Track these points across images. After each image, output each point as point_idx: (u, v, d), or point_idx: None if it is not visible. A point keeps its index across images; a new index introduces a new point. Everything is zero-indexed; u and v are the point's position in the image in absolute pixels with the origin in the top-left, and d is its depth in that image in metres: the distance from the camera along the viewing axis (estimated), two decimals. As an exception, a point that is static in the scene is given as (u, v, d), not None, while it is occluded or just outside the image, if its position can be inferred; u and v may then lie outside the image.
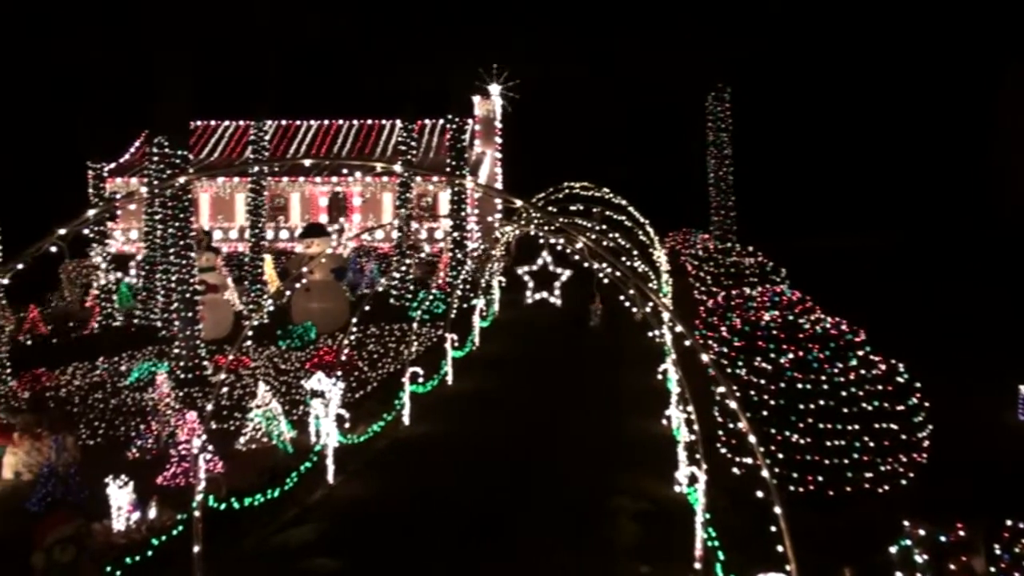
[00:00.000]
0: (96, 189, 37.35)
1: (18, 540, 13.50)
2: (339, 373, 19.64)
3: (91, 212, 11.90)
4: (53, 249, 11.03)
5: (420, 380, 23.33)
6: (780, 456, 15.35)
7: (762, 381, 16.33)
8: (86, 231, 34.48)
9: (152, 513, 14.60)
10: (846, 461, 15.36)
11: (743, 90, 50.90)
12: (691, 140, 58.52)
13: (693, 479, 13.50)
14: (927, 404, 16.48)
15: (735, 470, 16.13)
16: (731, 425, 16.46)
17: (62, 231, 10.97)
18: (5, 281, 11.37)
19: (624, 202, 41.26)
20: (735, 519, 13.62)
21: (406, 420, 21.72)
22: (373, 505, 16.64)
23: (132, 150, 58.60)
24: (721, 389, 10.48)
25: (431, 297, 35.12)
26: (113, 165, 55.15)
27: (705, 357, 10.52)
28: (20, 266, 11.01)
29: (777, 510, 9.30)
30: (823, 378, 16.04)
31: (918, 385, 16.61)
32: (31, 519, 14.74)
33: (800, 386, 15.97)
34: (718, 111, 46.59)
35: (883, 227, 66.93)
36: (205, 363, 26.35)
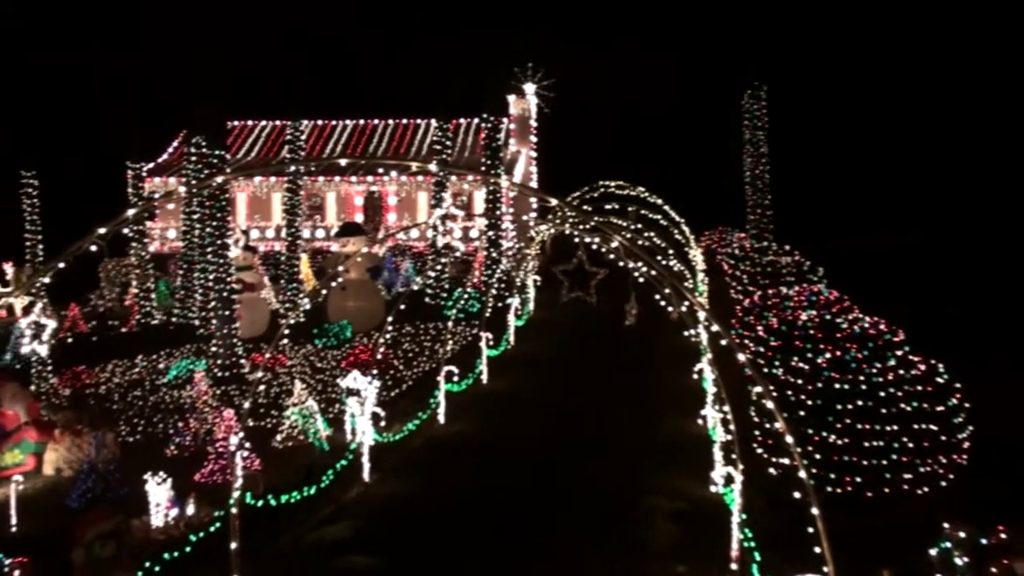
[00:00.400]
0: (135, 189, 37.77)
1: (59, 536, 13.67)
2: (375, 372, 19.72)
3: (130, 212, 12.02)
4: (93, 248, 11.15)
5: (455, 379, 23.37)
6: (817, 457, 15.23)
7: (799, 381, 16.21)
8: (125, 230, 34.84)
9: (190, 510, 14.73)
10: (885, 462, 15.22)
11: (780, 88, 50.55)
12: (727, 139, 58.19)
13: (729, 479, 13.42)
14: (967, 405, 16.28)
15: (771, 470, 16.03)
16: (768, 425, 16.35)
17: (102, 230, 11.09)
18: (47, 280, 11.51)
19: (660, 201, 41.05)
20: (771, 520, 13.53)
21: (441, 419, 21.76)
22: (408, 503, 16.69)
23: (170, 150, 59.14)
24: (757, 389, 10.39)
25: (466, 296, 35.15)
26: (152, 165, 55.68)
27: (741, 356, 10.46)
28: (61, 265, 11.15)
29: (814, 511, 9.23)
30: (861, 378, 15.89)
31: (958, 386, 16.41)
32: (71, 515, 14.93)
33: (838, 386, 15.83)
34: (754, 109, 46.25)
35: (921, 226, 66.20)
36: (242, 361, 26.54)
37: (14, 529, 15.38)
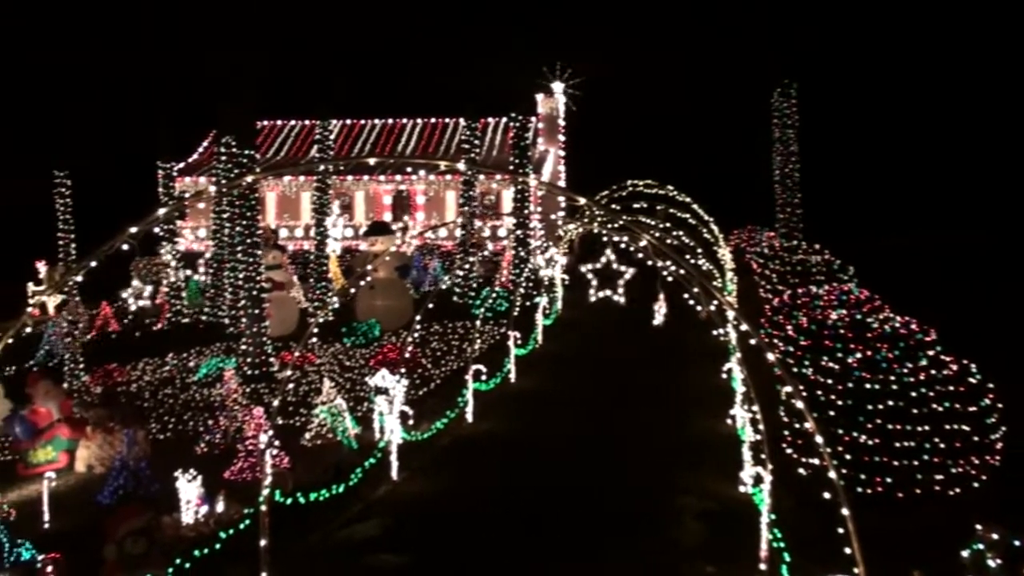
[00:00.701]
0: (166, 188, 38.06)
1: (91, 532, 13.80)
2: (403, 370, 19.77)
3: (161, 211, 12.12)
4: (125, 247, 11.25)
5: (483, 378, 23.39)
6: (848, 457, 15.12)
7: (829, 381, 16.10)
8: (156, 229, 35.16)
9: (220, 507, 14.83)
10: (916, 463, 15.08)
11: (810, 86, 50.23)
12: (757, 137, 57.90)
13: (758, 479, 13.35)
14: (1000, 405, 16.11)
15: (801, 470, 15.93)
16: (797, 425, 16.25)
17: (133, 229, 11.17)
18: (79, 278, 11.61)
19: (688, 200, 40.92)
20: (801, 520, 13.45)
21: (469, 417, 21.79)
22: (436, 502, 16.71)
23: (200, 150, 59.62)
24: (787, 388, 10.33)
25: (494, 295, 35.18)
26: (182, 165, 56.15)
27: (771, 356, 10.40)
28: (93, 264, 11.25)
29: (845, 511, 9.16)
30: (892, 378, 15.76)
31: (991, 386, 16.24)
32: (103, 512, 15.06)
33: (868, 386, 15.71)
34: (784, 107, 46.01)
35: (953, 225, 65.61)
36: (271, 359, 26.68)
37: (47, 525, 15.54)
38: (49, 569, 12.58)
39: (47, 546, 13.47)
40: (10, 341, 11.01)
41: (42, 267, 37.82)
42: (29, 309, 13.10)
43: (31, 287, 37.72)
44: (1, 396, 22.52)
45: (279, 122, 61.79)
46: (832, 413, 15.56)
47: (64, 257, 31.19)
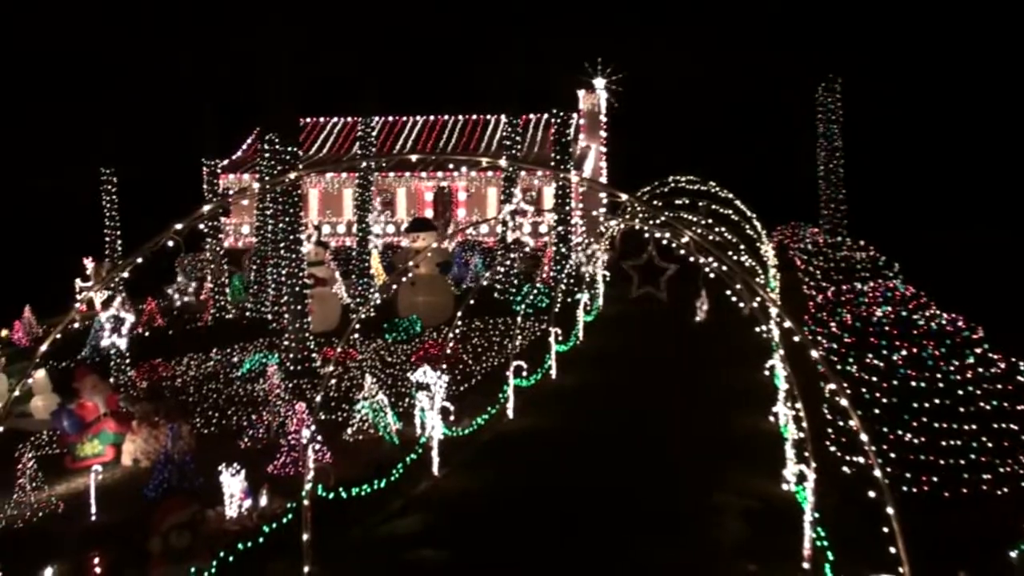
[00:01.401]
0: (210, 185, 38.45)
1: (136, 525, 13.97)
2: (444, 366, 19.81)
3: (206, 208, 12.24)
4: (170, 244, 11.37)
5: (524, 374, 23.39)
6: (892, 455, 14.95)
7: (874, 378, 15.93)
8: (201, 226, 35.51)
9: (263, 501, 14.95)
10: (962, 462, 14.89)
11: (854, 80, 49.69)
12: (800, 133, 57.40)
13: (802, 477, 13.24)
14: (1050, 404, 15.86)
15: (845, 469, 15.78)
16: (841, 423, 16.10)
17: (178, 226, 11.30)
18: (125, 274, 11.75)
19: (731, 196, 40.66)
20: (845, 519, 13.32)
21: (510, 414, 21.80)
22: (477, 498, 16.74)
23: (244, 147, 60.13)
24: (831, 386, 10.24)
25: (535, 291, 35.17)
26: (226, 162, 56.66)
27: (815, 353, 10.30)
28: (139, 260, 11.38)
29: (890, 511, 9.07)
30: (938, 376, 15.57)
31: (1040, 384, 15.99)
32: (148, 505, 15.24)
33: (914, 384, 15.53)
34: (828, 102, 45.59)
35: (1000, 221, 64.53)
36: (314, 355, 26.85)
37: (94, 518, 15.75)
38: (96, 561, 12.76)
39: (94, 538, 13.67)
40: (58, 336, 11.18)
41: (89, 264, 38.35)
42: (76, 305, 13.27)
43: (78, 283, 38.26)
44: (49, 390, 22.89)
45: (322, 119, 62.16)
46: (877, 411, 15.40)
47: (111, 253, 31.65)
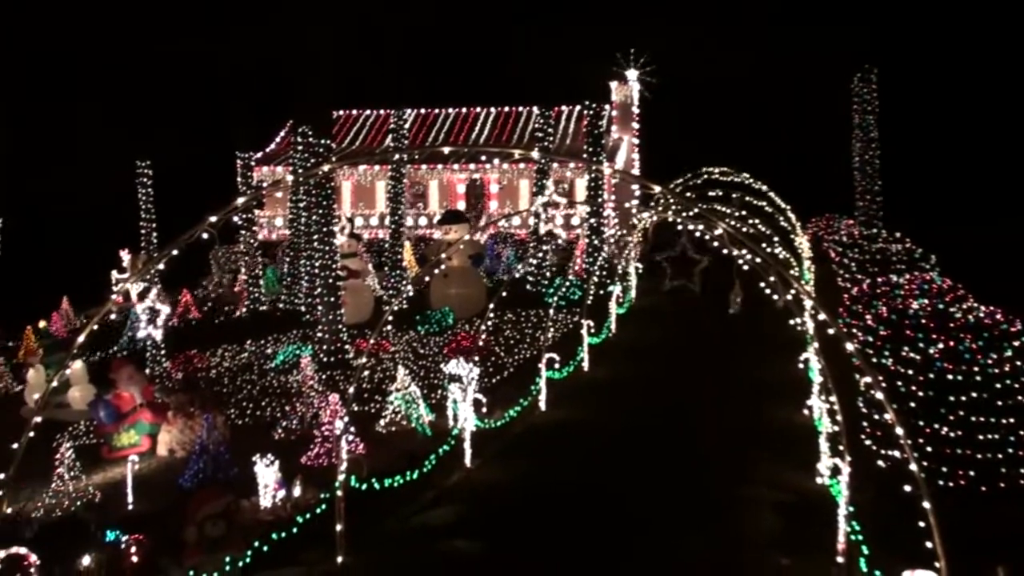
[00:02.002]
0: (244, 178, 38.69)
1: (172, 514, 14.11)
2: (476, 358, 19.83)
3: (240, 200, 12.29)
4: (204, 236, 11.44)
5: (556, 366, 23.37)
6: (929, 449, 14.80)
7: (910, 372, 15.76)
8: (235, 218, 35.75)
9: (297, 491, 15.05)
10: (1000, 456, 14.71)
11: (891, 70, 49.16)
12: (836, 124, 56.86)
13: (836, 471, 13.13)
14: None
15: (880, 463, 15.64)
16: (877, 416, 15.95)
17: (213, 218, 11.36)
18: (161, 266, 11.85)
19: (765, 187, 40.37)
20: (880, 513, 13.20)
21: (542, 406, 21.80)
22: (509, 489, 16.75)
23: (278, 140, 60.43)
24: (866, 379, 10.14)
25: (567, 283, 35.12)
26: (260, 154, 56.97)
27: (850, 346, 10.21)
28: (174, 252, 11.46)
29: (926, 505, 8.98)
30: (976, 369, 15.38)
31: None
32: (184, 495, 15.39)
33: (951, 377, 15.35)
34: (864, 93, 45.14)
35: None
36: (347, 347, 26.97)
37: (130, 507, 15.93)
38: (133, 549, 12.89)
39: (130, 527, 13.81)
40: (95, 328, 11.28)
41: (125, 255, 38.74)
42: (113, 296, 13.40)
43: (115, 275, 38.65)
44: (86, 381, 23.15)
45: (354, 112, 62.34)
46: (913, 404, 15.24)
47: (146, 245, 31.92)
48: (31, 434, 10.60)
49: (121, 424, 19.45)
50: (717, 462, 17.75)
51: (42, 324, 33.70)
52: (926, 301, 19.79)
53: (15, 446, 10.57)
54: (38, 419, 10.84)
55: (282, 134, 60.01)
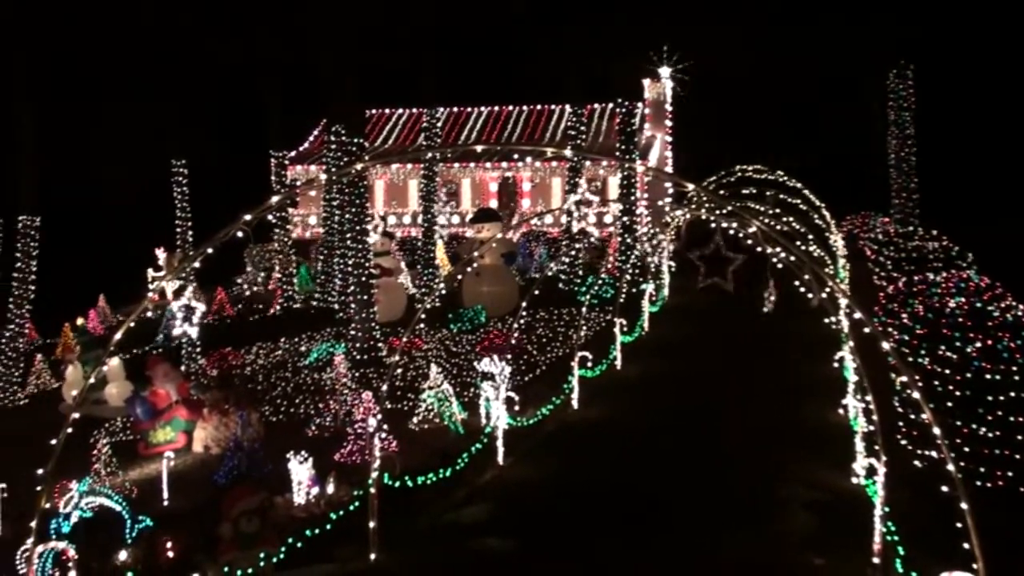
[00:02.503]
0: (278, 176, 38.92)
1: (207, 510, 14.23)
2: (509, 356, 19.85)
3: (274, 199, 12.37)
4: (239, 234, 11.52)
5: (589, 364, 23.34)
6: (966, 450, 14.64)
7: (947, 371, 15.60)
8: (269, 217, 35.98)
9: (330, 488, 15.12)
10: (1039, 456, 14.53)
11: (927, 66, 48.64)
12: (871, 121, 56.37)
13: (872, 471, 13.02)
14: None
15: (917, 463, 15.49)
16: (913, 416, 15.80)
17: (247, 217, 11.44)
18: (196, 264, 11.94)
19: (799, 185, 40.08)
20: (917, 514, 13.08)
21: (575, 404, 21.77)
22: (542, 487, 16.75)
23: (311, 138, 60.74)
24: (903, 378, 10.05)
25: (600, 282, 35.05)
26: (294, 153, 57.28)
27: (885, 345, 10.12)
28: (209, 250, 11.55)
29: (963, 506, 8.88)
30: (1014, 368, 15.19)
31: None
32: (219, 491, 15.50)
33: (988, 376, 15.18)
34: (900, 89, 44.71)
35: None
36: (380, 345, 27.07)
37: (166, 502, 16.07)
38: (168, 545, 13.01)
39: (166, 523, 13.94)
40: (132, 325, 11.39)
41: (161, 254, 39.09)
42: (149, 294, 13.52)
43: (151, 273, 39.02)
44: (122, 378, 23.39)
45: (387, 111, 62.52)
46: (950, 404, 15.08)
47: (182, 244, 32.19)
48: (69, 430, 10.73)
49: (157, 421, 19.63)
50: (751, 461, 17.65)
51: (79, 321, 34.08)
52: (963, 299, 19.58)
53: (53, 442, 10.71)
54: (76, 415, 10.97)
55: (315, 133, 60.32)
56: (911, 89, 44.61)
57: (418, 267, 39.73)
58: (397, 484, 14.90)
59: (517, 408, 19.06)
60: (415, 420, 19.79)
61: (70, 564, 11.96)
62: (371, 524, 13.03)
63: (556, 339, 28.96)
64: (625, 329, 27.18)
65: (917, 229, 42.16)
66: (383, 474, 14.05)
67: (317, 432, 19.71)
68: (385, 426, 17.11)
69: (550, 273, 36.81)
